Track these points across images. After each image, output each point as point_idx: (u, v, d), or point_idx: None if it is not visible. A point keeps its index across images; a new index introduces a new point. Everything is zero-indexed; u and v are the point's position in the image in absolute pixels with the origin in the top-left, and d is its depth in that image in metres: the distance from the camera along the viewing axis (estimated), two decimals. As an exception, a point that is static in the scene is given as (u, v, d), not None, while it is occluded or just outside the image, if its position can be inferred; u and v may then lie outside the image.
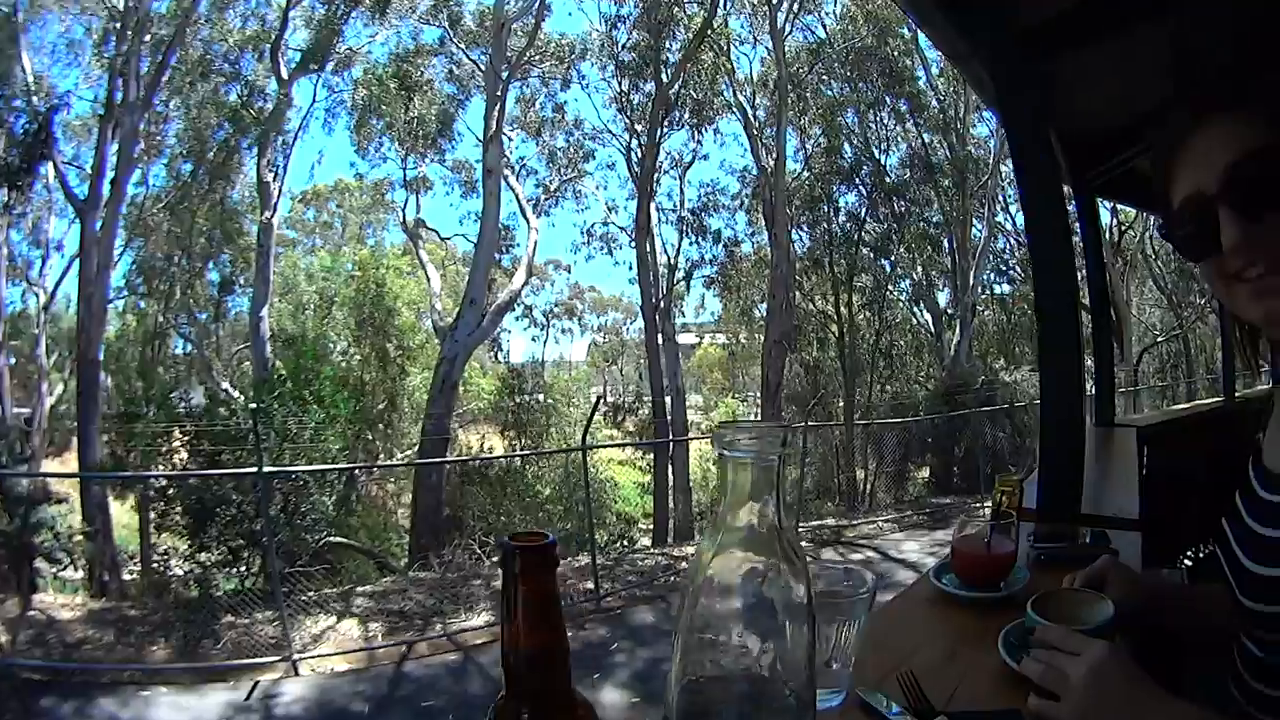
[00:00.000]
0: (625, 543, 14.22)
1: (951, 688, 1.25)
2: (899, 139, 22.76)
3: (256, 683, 7.56)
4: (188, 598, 10.06)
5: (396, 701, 7.41)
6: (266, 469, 9.17)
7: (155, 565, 12.01)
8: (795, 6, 20.81)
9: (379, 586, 10.77)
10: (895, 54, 21.31)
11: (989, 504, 2.32)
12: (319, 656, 8.20)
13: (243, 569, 10.58)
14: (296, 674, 7.80)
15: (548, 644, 0.75)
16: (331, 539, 11.57)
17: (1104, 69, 4.08)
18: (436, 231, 24.09)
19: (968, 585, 1.64)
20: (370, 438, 18.20)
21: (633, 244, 20.80)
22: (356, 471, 14.50)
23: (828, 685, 1.17)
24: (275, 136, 18.41)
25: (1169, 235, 1.18)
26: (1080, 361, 2.52)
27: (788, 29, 20.91)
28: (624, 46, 20.67)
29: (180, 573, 11.02)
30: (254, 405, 10.73)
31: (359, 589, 10.44)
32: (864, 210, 21.92)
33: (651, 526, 18.81)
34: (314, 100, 19.99)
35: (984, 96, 3.60)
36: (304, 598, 9.22)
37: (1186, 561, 4.45)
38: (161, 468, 12.76)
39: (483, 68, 18.89)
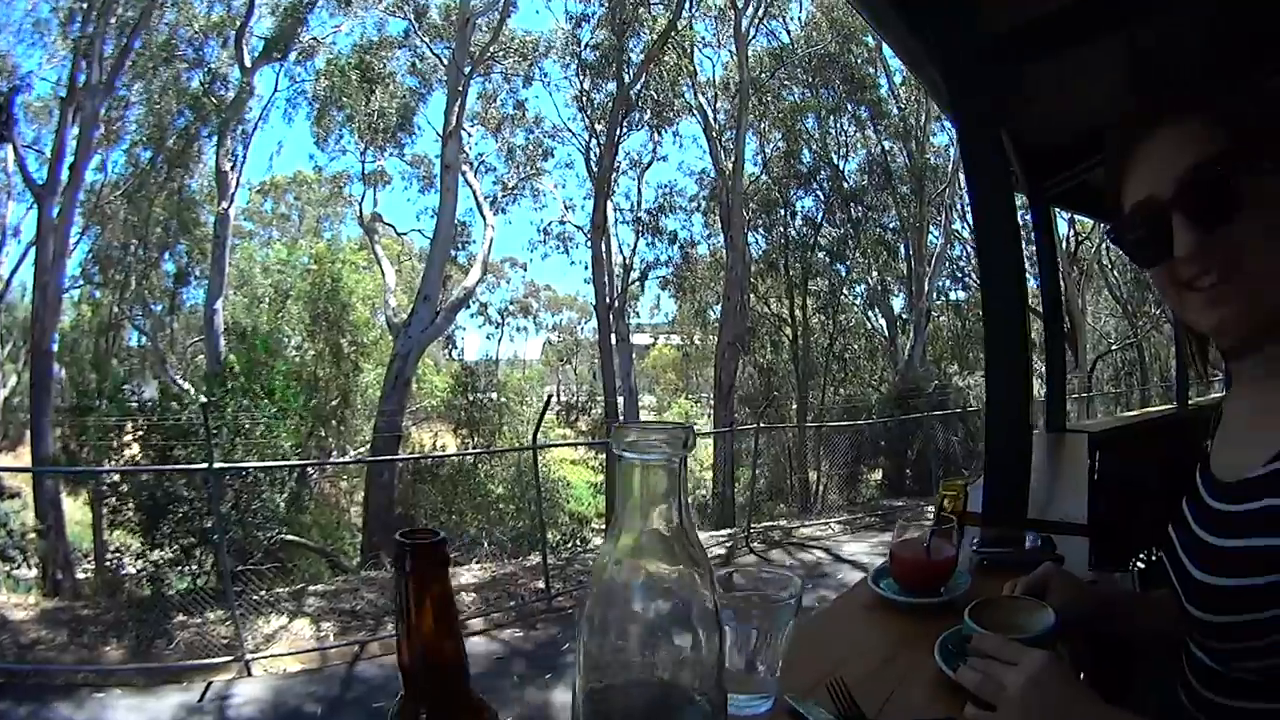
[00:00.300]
0: (579, 542, 14.15)
1: (886, 695, 1.23)
2: (858, 145, 22.97)
3: (210, 684, 7.42)
4: (140, 597, 9.87)
5: (349, 703, 7.31)
6: (217, 465, 8.99)
7: (109, 563, 11.80)
8: (760, 11, 20.91)
9: (331, 585, 10.62)
10: (858, 61, 21.45)
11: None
12: (272, 657, 8.07)
13: (195, 567, 10.35)
14: (249, 675, 7.68)
15: (441, 643, 0.74)
16: (283, 537, 11.39)
17: (1061, 81, 4.12)
18: (393, 226, 23.98)
19: (907, 590, 1.61)
20: (323, 434, 17.99)
21: (589, 243, 20.76)
22: (309, 469, 14.31)
23: (755, 691, 1.14)
24: (235, 126, 18.17)
25: (1119, 240, 1.16)
26: (1027, 366, 2.52)
27: (751, 33, 21.02)
28: (587, 45, 20.65)
29: (133, 571, 10.81)
30: (205, 399, 10.53)
31: (311, 588, 10.29)
32: (821, 215, 22.09)
33: (604, 526, 18.74)
34: (275, 89, 19.74)
35: (939, 102, 3.61)
36: (256, 597, 9.04)
37: (1139, 564, 4.50)
38: (114, 463, 12.49)
39: (445, 62, 18.76)
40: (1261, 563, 0.97)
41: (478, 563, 12.06)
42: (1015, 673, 1.03)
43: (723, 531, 14.59)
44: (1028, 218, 5.80)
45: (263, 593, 9.24)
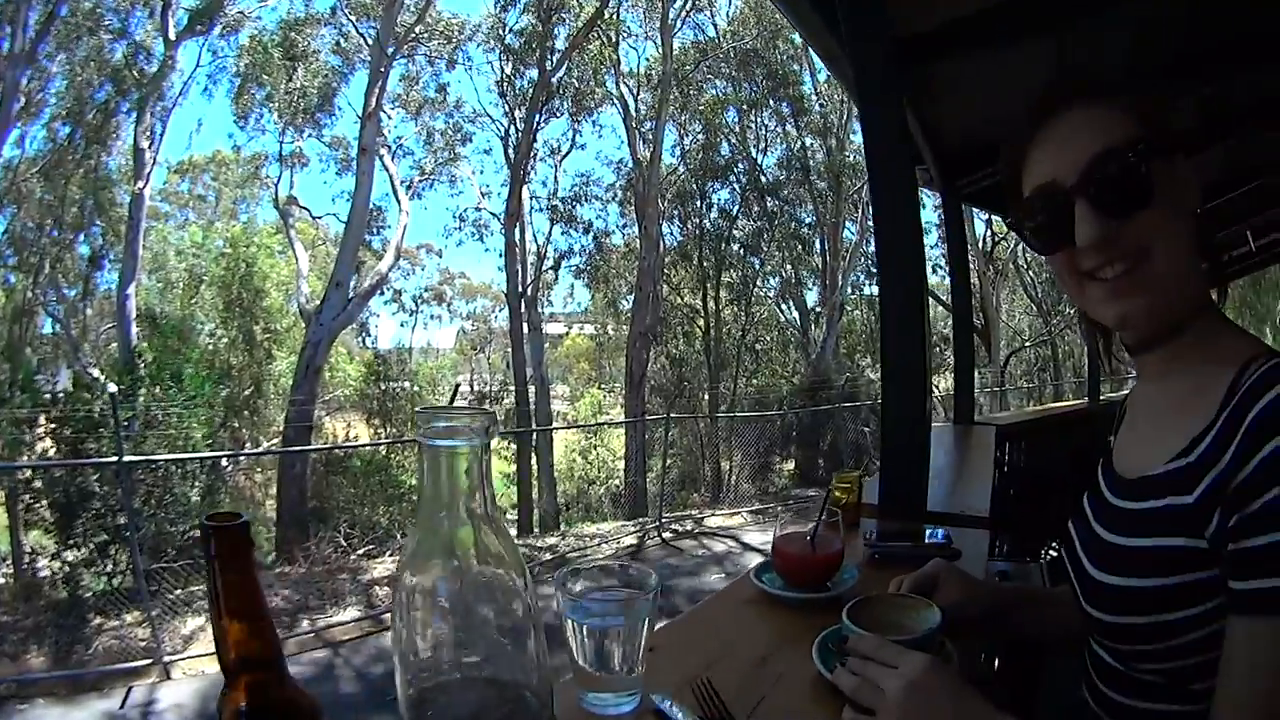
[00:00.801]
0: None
1: (759, 697, 1.17)
2: (778, 140, 23.19)
3: (130, 689, 7.20)
4: (57, 600, 9.49)
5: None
6: (128, 458, 8.66)
7: (27, 566, 11.31)
8: (688, 4, 20.97)
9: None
10: (783, 58, 21.68)
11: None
12: (191, 658, 7.81)
13: (111, 567, 9.91)
14: (169, 678, 7.47)
15: (249, 627, 0.72)
16: (198, 533, 10.94)
17: (976, 83, 4.19)
18: (308, 210, 23.10)
19: (793, 585, 1.56)
20: (236, 425, 17.43)
21: (504, 231, 20.56)
22: (224, 461, 13.85)
23: (617, 690, 1.10)
24: (155, 101, 17.40)
25: (1016, 225, 1.12)
26: (923, 358, 2.50)
27: (678, 25, 21.06)
28: (512, 30, 20.35)
29: (49, 573, 10.31)
30: (113, 389, 10.09)
31: None
32: (737, 208, 22.25)
33: (516, 518, 18.63)
34: (198, 64, 19.04)
35: (851, 97, 3.61)
36: (173, 596, 8.77)
37: (1052, 552, 4.59)
38: (28, 457, 11.86)
39: (370, 41, 18.25)
40: (1163, 563, 0.94)
41: (391, 556, 11.86)
42: (894, 677, 0.98)
43: (634, 521, 14.62)
44: (941, 215, 5.91)
45: (179, 592, 8.94)
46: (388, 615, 8.68)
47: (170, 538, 10.06)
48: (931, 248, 15.60)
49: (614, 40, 20.89)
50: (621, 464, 19.78)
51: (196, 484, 11.38)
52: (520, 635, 0.76)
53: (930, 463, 3.73)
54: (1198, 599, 0.92)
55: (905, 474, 2.51)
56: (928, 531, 2.00)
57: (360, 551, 12.14)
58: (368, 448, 15.92)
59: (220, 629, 0.71)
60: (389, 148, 19.97)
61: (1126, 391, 1.34)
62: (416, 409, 0.92)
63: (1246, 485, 0.84)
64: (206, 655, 7.73)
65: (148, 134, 17.10)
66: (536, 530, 16.70)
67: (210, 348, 17.76)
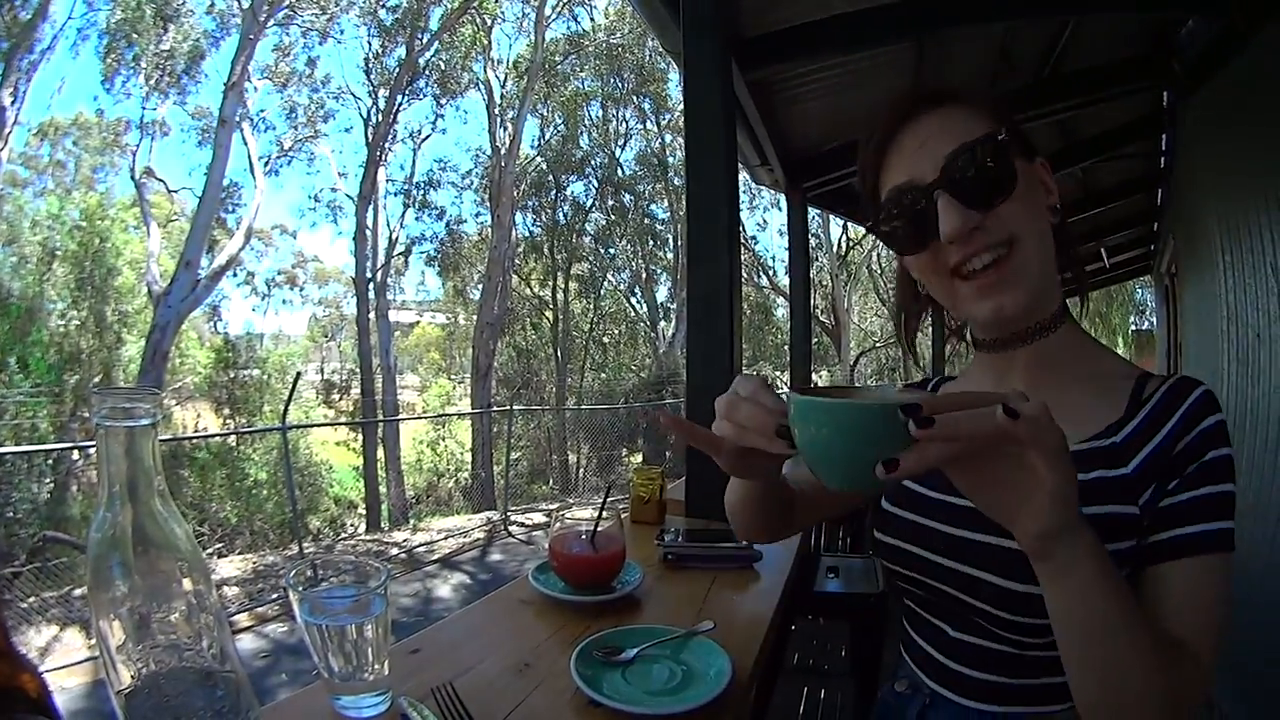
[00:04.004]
0: (345, 527, 13.57)
1: (514, 704, 1.12)
2: (639, 136, 23.36)
3: None
4: None
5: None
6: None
7: None
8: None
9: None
10: (651, 55, 21.80)
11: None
12: (49, 671, 7.04)
13: None
14: None
15: None
16: (47, 534, 10.14)
17: (825, 90, 4.28)
18: (165, 182, 21.48)
19: (575, 587, 1.51)
20: (86, 416, 16.21)
21: (357, 212, 20.00)
22: (75, 455, 12.86)
23: (361, 691, 1.05)
24: (21, 56, 15.87)
25: (875, 228, 1.09)
26: (731, 350, 2.47)
27: (553, 15, 21.00)
28: (386, 5, 19.73)
29: None
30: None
31: (78, 591, 9.09)
32: (591, 201, 22.31)
33: (366, 511, 18.21)
34: (70, 16, 17.64)
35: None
36: (23, 605, 8.10)
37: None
38: None
39: (244, 5, 17.25)
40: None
41: (239, 554, 11.35)
42: (1031, 405, 0.72)
43: (481, 515, 14.43)
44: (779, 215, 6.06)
45: (31, 599, 8.30)
46: (238, 616, 8.38)
47: (18, 541, 9.50)
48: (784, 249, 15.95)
49: (488, 25, 20.63)
50: (470, 456, 19.51)
51: (47, 481, 10.55)
52: (191, 618, 0.75)
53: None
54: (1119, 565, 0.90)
55: (713, 471, 2.48)
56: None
57: (210, 550, 11.58)
58: (208, 439, 15.18)
59: None
60: (251, 120, 19.11)
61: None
62: (91, 389, 0.85)
63: (1189, 449, 0.94)
64: (61, 668, 7.13)
65: (11, 90, 15.70)
66: (385, 525, 16.28)
67: (62, 329, 16.39)
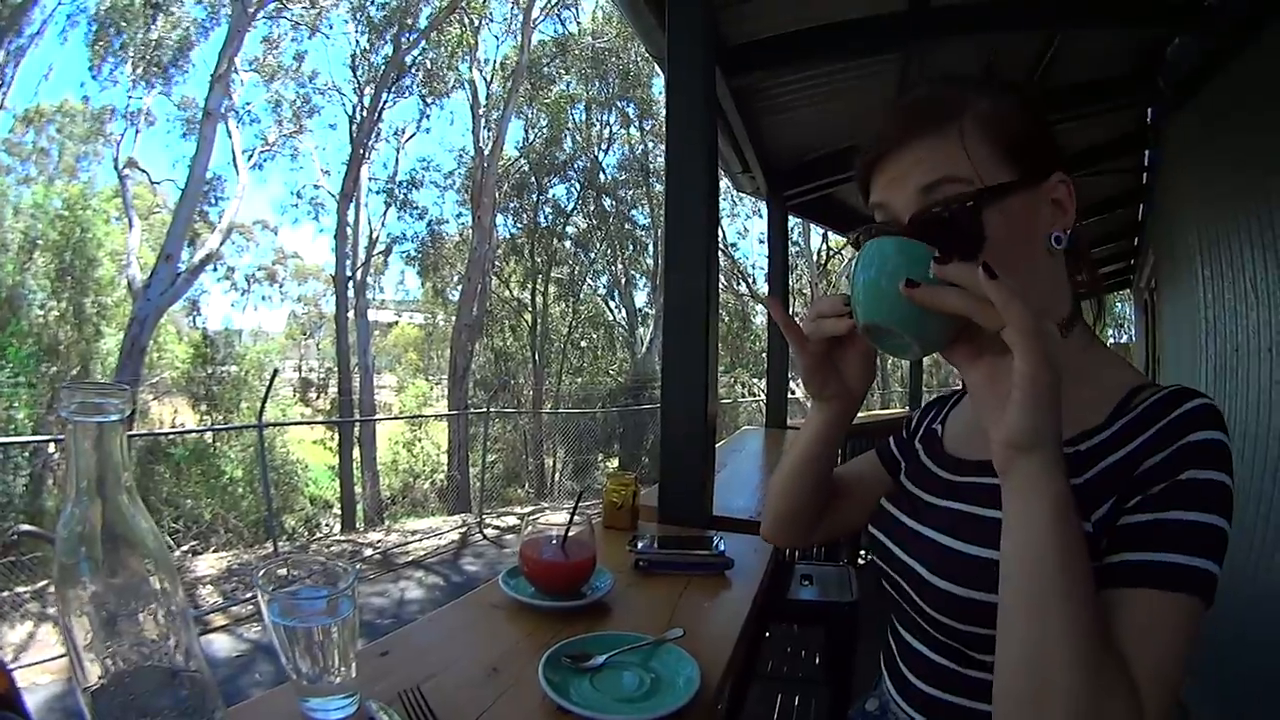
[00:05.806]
0: (320, 527, 13.45)
1: (481, 709, 1.11)
2: (622, 141, 23.33)
3: None
4: None
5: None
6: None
7: None
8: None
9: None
10: (637, 59, 21.72)
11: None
12: (22, 668, 6.89)
13: None
14: None
15: None
16: (21, 527, 10.01)
17: (808, 101, 4.29)
18: (148, 173, 21.30)
19: (546, 593, 1.51)
20: None
21: (338, 210, 19.90)
22: (51, 447, 12.70)
23: (329, 694, 1.04)
24: (10, 40, 15.78)
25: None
26: (707, 358, 2.46)
27: (540, 17, 20.95)
28: (374, 2, 19.66)
29: None
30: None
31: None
32: (573, 204, 22.27)
33: (341, 511, 18.04)
34: (60, 1, 17.39)
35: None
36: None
37: (861, 560, 4.74)
38: None
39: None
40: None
41: (215, 552, 11.21)
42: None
43: (457, 517, 14.35)
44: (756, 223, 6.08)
45: (5, 593, 8.24)
46: (211, 616, 8.19)
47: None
48: (764, 257, 16.00)
49: (475, 25, 20.57)
50: (446, 458, 19.42)
51: (22, 473, 10.40)
52: (158, 617, 0.76)
53: (731, 467, 3.77)
54: None
55: (686, 477, 2.48)
56: (716, 538, 1.95)
57: (185, 548, 11.44)
58: (183, 435, 15.01)
59: None
60: (236, 113, 19.01)
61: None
62: (60, 385, 0.87)
63: (1161, 465, 0.87)
64: (37, 664, 6.97)
65: (-1, 77, 15.48)
66: (360, 526, 16.16)
67: (40, 320, 16.20)
